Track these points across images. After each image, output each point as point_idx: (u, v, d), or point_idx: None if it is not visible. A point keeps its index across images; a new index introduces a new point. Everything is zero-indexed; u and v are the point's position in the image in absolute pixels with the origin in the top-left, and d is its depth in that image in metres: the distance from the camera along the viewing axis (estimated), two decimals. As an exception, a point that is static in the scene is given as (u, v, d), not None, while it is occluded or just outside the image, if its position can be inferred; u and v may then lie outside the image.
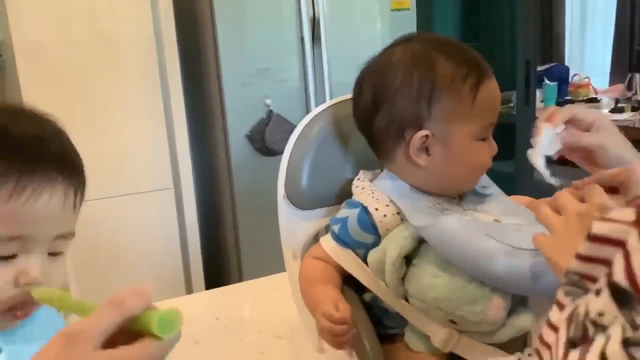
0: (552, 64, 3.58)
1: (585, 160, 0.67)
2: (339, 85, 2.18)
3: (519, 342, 0.57)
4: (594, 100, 3.35)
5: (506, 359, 0.55)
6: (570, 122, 0.66)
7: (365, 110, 0.66)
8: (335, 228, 0.65)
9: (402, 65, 0.63)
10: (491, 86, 0.63)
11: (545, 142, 0.63)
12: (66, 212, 0.47)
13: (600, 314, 0.28)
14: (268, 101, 2.12)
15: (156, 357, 0.39)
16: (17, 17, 1.83)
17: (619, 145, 0.64)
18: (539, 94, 3.09)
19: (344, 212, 0.66)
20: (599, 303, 0.29)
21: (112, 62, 1.96)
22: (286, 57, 2.13)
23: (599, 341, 0.28)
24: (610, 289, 0.28)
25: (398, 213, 0.62)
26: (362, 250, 0.64)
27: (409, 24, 2.31)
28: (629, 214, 0.31)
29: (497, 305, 0.54)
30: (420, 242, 0.59)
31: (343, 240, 0.64)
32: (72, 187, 0.48)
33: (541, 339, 0.34)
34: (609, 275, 0.29)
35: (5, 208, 0.43)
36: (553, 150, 0.64)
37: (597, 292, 0.29)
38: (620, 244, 0.30)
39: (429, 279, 0.56)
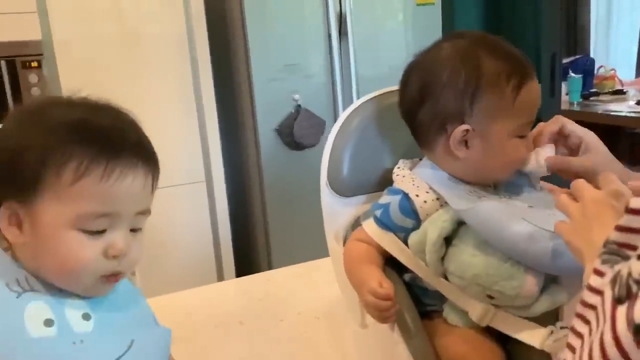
0: (577, 56, 3.57)
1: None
2: (365, 80, 2.23)
3: (552, 316, 0.62)
4: (619, 92, 3.34)
5: (539, 330, 0.60)
6: (560, 138, 0.71)
7: (411, 101, 0.70)
8: (378, 213, 0.70)
9: (450, 61, 0.67)
10: (533, 86, 0.67)
11: (534, 164, 0.68)
12: (145, 192, 0.53)
13: None
14: (296, 96, 2.17)
15: None
16: (57, 17, 1.91)
17: (605, 166, 0.67)
18: (563, 86, 3.09)
19: (385, 198, 0.70)
20: None
21: (146, 59, 2.03)
22: (313, 53, 2.18)
23: None
24: None
25: (437, 199, 0.67)
26: (402, 234, 0.69)
27: (433, 19, 2.34)
28: None
29: (531, 281, 0.59)
30: (458, 225, 0.64)
31: (385, 224, 0.69)
32: (150, 170, 0.53)
33: (584, 303, 0.38)
34: None
35: (97, 189, 0.49)
36: (543, 172, 0.68)
37: (639, 257, 0.34)
38: None
39: (468, 257, 0.61)
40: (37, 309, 0.49)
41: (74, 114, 0.52)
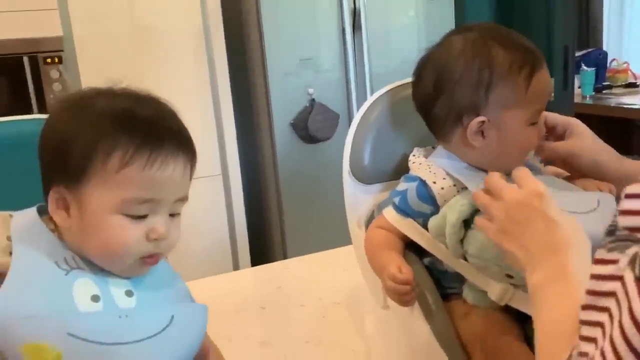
0: (590, 49, 3.56)
1: (564, 166, 0.75)
2: (379, 75, 2.25)
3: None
4: (633, 85, 3.33)
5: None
6: (548, 130, 0.75)
7: (425, 96, 0.73)
8: (396, 200, 0.73)
9: (462, 55, 0.69)
10: (544, 74, 0.69)
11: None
12: (184, 179, 0.56)
13: None
14: (310, 90, 2.20)
15: None
16: (77, 14, 1.95)
17: (592, 150, 0.70)
18: (576, 80, 3.09)
19: (403, 185, 0.73)
20: None
21: (164, 54, 2.07)
22: (328, 48, 2.21)
23: None
24: None
25: (454, 185, 0.70)
26: (420, 219, 0.72)
27: (446, 13, 2.36)
28: None
29: None
30: (476, 210, 0.67)
31: (403, 210, 0.72)
32: (189, 159, 0.57)
33: (596, 292, 0.39)
34: None
35: (141, 176, 0.53)
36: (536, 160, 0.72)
37: None
38: None
39: (487, 239, 0.64)
40: (84, 285, 0.53)
41: (119, 105, 0.55)
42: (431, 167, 0.72)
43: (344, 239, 1.40)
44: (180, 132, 0.57)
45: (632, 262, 0.36)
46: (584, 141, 0.73)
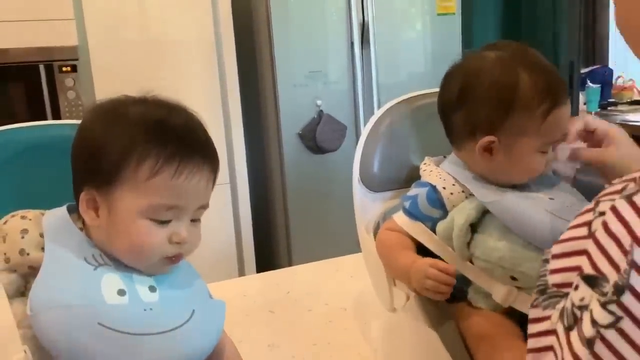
0: (595, 66, 3.59)
1: (600, 173, 0.73)
2: (386, 87, 2.29)
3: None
4: (638, 102, 3.36)
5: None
6: (587, 135, 0.74)
7: (448, 103, 0.75)
8: (406, 204, 0.75)
9: (489, 73, 0.71)
10: (563, 111, 0.71)
11: (561, 160, 0.73)
12: (207, 189, 0.59)
13: (582, 299, 0.37)
14: (319, 102, 2.24)
15: None
16: (93, 24, 2.00)
17: (627, 159, 0.69)
18: (581, 96, 3.13)
19: (414, 191, 0.76)
20: (579, 293, 0.38)
21: (176, 64, 2.12)
22: (336, 61, 2.25)
23: (586, 314, 0.36)
24: (583, 280, 0.38)
25: (462, 191, 0.73)
26: (429, 223, 0.74)
27: (453, 29, 2.40)
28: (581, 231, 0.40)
29: None
30: (483, 214, 0.69)
31: (413, 214, 0.75)
32: (213, 170, 0.60)
33: (536, 349, 0.41)
34: (581, 273, 0.38)
35: (168, 185, 0.56)
36: (571, 168, 0.72)
37: (576, 287, 0.38)
38: (584, 252, 0.39)
39: (493, 242, 0.66)
40: (111, 280, 0.56)
41: (152, 114, 0.58)
42: (441, 174, 0.75)
43: (349, 248, 1.42)
44: (207, 143, 0.60)
45: (561, 315, 0.39)
46: (621, 150, 0.71)
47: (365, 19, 2.24)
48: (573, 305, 0.38)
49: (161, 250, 0.57)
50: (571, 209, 0.67)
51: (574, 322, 0.37)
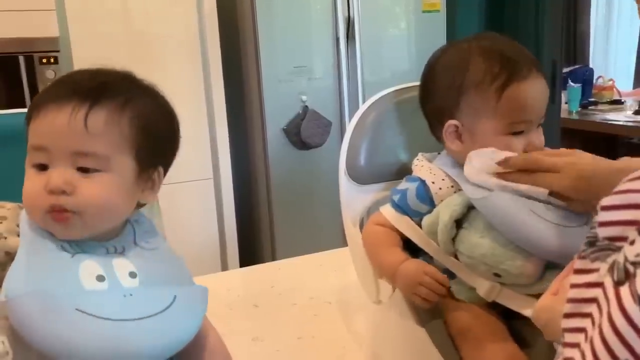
0: (576, 66, 3.64)
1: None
2: (371, 83, 2.29)
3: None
4: (617, 102, 3.41)
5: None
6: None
7: (420, 94, 0.77)
8: (396, 198, 0.75)
9: (446, 61, 0.73)
10: (524, 87, 0.69)
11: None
12: (81, 132, 0.54)
13: (638, 255, 0.36)
14: (304, 97, 2.24)
15: None
16: (74, 15, 1.97)
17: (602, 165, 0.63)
18: (563, 95, 3.17)
19: (404, 185, 0.76)
20: (635, 248, 0.36)
21: (159, 58, 2.10)
22: (322, 56, 2.24)
23: None
24: None
25: (452, 186, 0.73)
26: (417, 218, 0.74)
27: (438, 26, 2.41)
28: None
29: (534, 262, 0.64)
30: (468, 210, 0.70)
31: (402, 208, 0.74)
32: (87, 112, 0.55)
33: (577, 300, 0.40)
34: (639, 228, 0.37)
35: (34, 125, 0.55)
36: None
37: (632, 243, 0.37)
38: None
39: (476, 238, 0.66)
40: (89, 266, 0.54)
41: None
42: (432, 169, 0.75)
43: (333, 243, 1.42)
44: (92, 85, 0.56)
45: (611, 269, 0.38)
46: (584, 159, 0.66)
47: (351, 14, 2.23)
48: (626, 260, 0.36)
49: (40, 202, 0.54)
50: (557, 213, 0.66)
51: (625, 277, 0.36)
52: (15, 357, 0.50)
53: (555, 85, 2.45)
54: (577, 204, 0.64)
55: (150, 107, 0.60)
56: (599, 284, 0.39)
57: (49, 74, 1.96)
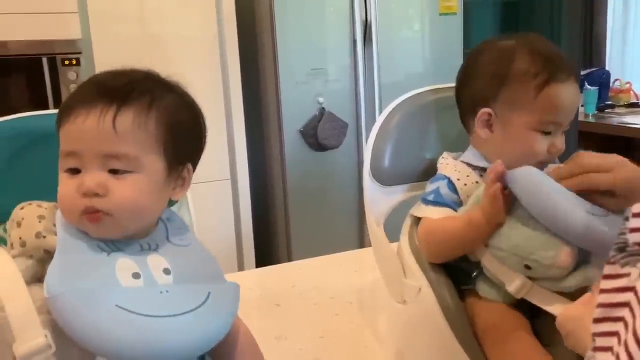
0: (593, 69, 3.62)
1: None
2: (388, 85, 2.30)
3: (582, 293, 0.67)
4: (634, 105, 3.39)
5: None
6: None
7: (457, 83, 0.79)
8: (430, 197, 0.76)
9: (491, 53, 0.75)
10: (561, 89, 0.72)
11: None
12: (109, 134, 0.56)
13: None
14: (320, 99, 2.25)
15: None
16: (96, 18, 2.00)
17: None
18: (580, 98, 3.15)
19: (431, 186, 0.77)
20: None
21: (179, 60, 2.12)
22: (339, 59, 2.26)
23: None
24: None
25: (477, 182, 0.74)
26: (455, 207, 0.74)
27: (455, 28, 2.41)
28: None
29: (566, 252, 0.64)
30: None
31: (439, 202, 0.75)
32: (114, 115, 0.56)
33: (607, 304, 0.40)
34: None
35: (64, 130, 0.57)
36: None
37: None
38: None
39: (507, 229, 0.67)
40: (125, 263, 0.56)
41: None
42: (457, 166, 0.77)
43: (348, 244, 1.43)
44: (120, 88, 0.57)
45: None
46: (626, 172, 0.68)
47: (368, 17, 2.25)
48: None
49: (74, 204, 0.56)
50: (581, 201, 0.67)
51: None
52: (58, 351, 0.51)
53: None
54: (621, 200, 0.66)
55: (175, 104, 0.61)
56: (630, 288, 0.39)
57: (71, 75, 2.00)
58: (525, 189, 0.67)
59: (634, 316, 0.38)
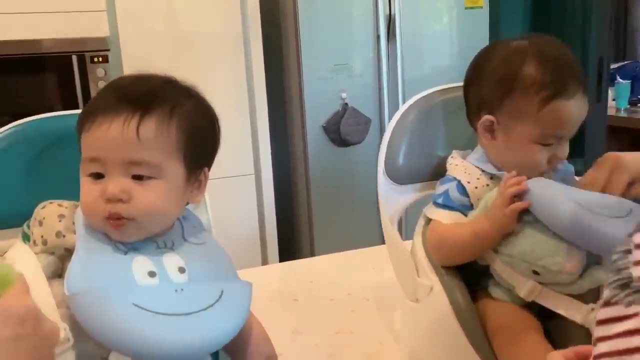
0: (626, 62, 3.52)
1: None
2: (411, 81, 2.29)
3: (593, 295, 0.67)
4: (669, 99, 3.28)
5: (581, 307, 0.65)
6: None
7: (465, 81, 0.79)
8: (440, 200, 0.76)
9: (501, 56, 0.74)
10: (566, 105, 0.69)
11: None
12: (132, 141, 0.57)
13: None
14: (344, 95, 2.25)
15: (19, 295, 0.46)
16: (123, 16, 2.04)
17: None
18: (610, 92, 3.08)
19: (442, 187, 0.77)
20: None
21: (204, 56, 2.15)
22: (362, 54, 2.25)
23: None
24: None
25: (487, 185, 0.74)
26: (465, 211, 0.75)
27: (481, 22, 2.38)
28: None
29: (574, 258, 0.64)
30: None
31: (449, 205, 0.75)
32: (138, 122, 0.58)
33: (623, 351, 0.36)
34: None
35: (86, 136, 0.59)
36: None
37: None
38: None
39: (515, 236, 0.67)
40: (141, 262, 0.58)
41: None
42: (467, 167, 0.77)
43: (371, 240, 1.43)
44: (142, 94, 0.59)
45: None
46: None
47: (392, 12, 2.23)
48: None
49: (98, 210, 0.57)
50: (600, 201, 0.66)
51: None
52: (75, 344, 0.53)
53: (602, 83, 2.39)
54: None
55: (194, 111, 0.63)
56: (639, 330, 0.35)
57: (100, 72, 2.04)
58: (534, 198, 0.66)
59: None
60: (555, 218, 0.65)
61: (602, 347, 0.37)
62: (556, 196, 0.66)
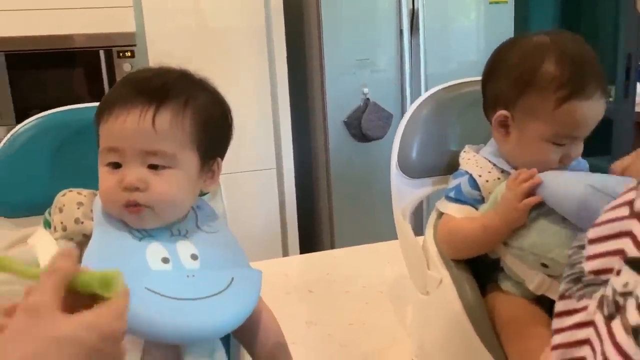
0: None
1: None
2: (434, 76, 2.28)
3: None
4: (702, 96, 3.19)
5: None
6: None
7: (484, 74, 0.78)
8: (451, 194, 0.77)
9: (521, 51, 0.73)
10: (582, 106, 0.68)
11: None
12: (149, 132, 0.59)
13: (625, 284, 0.34)
14: (365, 90, 2.26)
15: (120, 313, 0.45)
16: (150, 12, 2.08)
17: None
18: (639, 88, 3.00)
19: (454, 181, 0.77)
20: (622, 278, 0.34)
21: (228, 51, 2.18)
22: (385, 48, 2.25)
23: (631, 301, 0.32)
24: (627, 264, 0.34)
25: (498, 178, 0.74)
26: (477, 205, 0.75)
27: (506, 17, 2.35)
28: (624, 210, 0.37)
29: None
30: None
31: (460, 199, 0.76)
32: (154, 113, 0.60)
33: (568, 344, 0.37)
34: (624, 256, 0.35)
35: (104, 128, 0.61)
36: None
37: (617, 273, 0.35)
38: (627, 234, 0.36)
39: (524, 229, 0.67)
40: (155, 249, 0.60)
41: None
42: (479, 161, 0.77)
43: (391, 234, 1.44)
44: (160, 87, 0.61)
45: (600, 304, 0.36)
46: None
47: (415, 6, 2.22)
48: (615, 292, 0.34)
49: (116, 198, 0.59)
50: (610, 181, 0.65)
51: (615, 310, 0.34)
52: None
53: (630, 78, 2.34)
54: None
55: (207, 102, 0.65)
56: (589, 323, 0.37)
57: (126, 67, 2.09)
58: (546, 189, 0.66)
59: (594, 353, 0.35)
60: (566, 201, 0.64)
61: (557, 339, 0.39)
62: (568, 180, 0.66)
